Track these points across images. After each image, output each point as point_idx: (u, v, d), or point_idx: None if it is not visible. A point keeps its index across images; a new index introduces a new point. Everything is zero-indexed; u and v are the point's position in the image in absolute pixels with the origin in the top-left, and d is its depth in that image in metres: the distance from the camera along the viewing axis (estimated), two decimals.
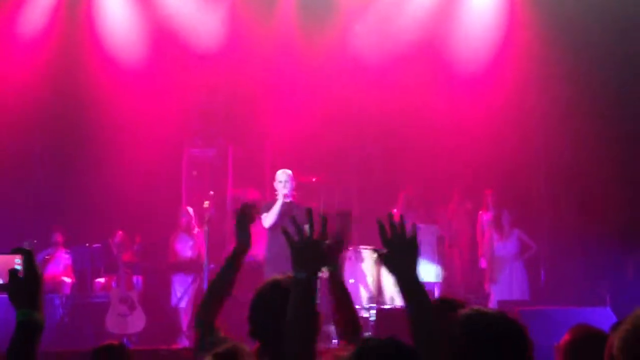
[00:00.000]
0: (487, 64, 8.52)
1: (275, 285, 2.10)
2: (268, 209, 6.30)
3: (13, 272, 1.61)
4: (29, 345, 1.52)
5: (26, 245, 6.43)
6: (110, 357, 2.88)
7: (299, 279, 1.87)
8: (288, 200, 6.35)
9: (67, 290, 7.48)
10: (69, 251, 7.68)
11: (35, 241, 6.96)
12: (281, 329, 1.90)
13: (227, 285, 2.29)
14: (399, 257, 1.87)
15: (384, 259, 1.87)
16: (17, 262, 1.64)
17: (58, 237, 7.63)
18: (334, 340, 5.84)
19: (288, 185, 6.39)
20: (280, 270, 6.23)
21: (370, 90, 8.56)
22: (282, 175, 6.48)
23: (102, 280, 7.61)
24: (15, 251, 1.66)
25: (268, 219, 6.27)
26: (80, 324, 6.95)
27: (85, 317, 6.93)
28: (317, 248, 1.90)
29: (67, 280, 7.56)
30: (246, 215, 2.29)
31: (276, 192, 6.39)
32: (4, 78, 8.16)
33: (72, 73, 8.43)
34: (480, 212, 7.73)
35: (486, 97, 8.40)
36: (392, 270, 1.85)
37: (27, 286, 1.59)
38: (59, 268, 7.58)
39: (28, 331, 1.53)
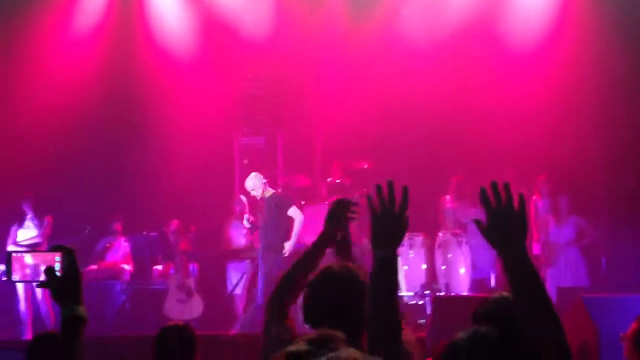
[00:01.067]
0: (540, 46, 8.29)
1: (329, 271, 2.07)
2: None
3: (50, 271, 1.65)
4: (77, 338, 1.59)
5: (87, 232, 6.65)
6: (177, 338, 2.96)
7: (382, 257, 1.74)
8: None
9: (127, 277, 7.71)
10: (127, 239, 7.90)
11: (89, 227, 7.19)
12: (338, 314, 1.89)
13: (306, 273, 2.15)
14: (506, 230, 1.63)
15: (485, 231, 1.66)
16: (57, 259, 1.68)
17: (117, 226, 7.86)
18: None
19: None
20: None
21: (419, 75, 8.45)
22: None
23: (159, 267, 7.82)
24: (55, 249, 1.70)
25: None
26: (140, 310, 7.18)
27: (145, 304, 7.15)
28: (399, 221, 1.77)
29: (127, 267, 7.80)
30: (341, 208, 2.25)
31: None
32: (60, 74, 8.40)
33: (125, 66, 8.62)
34: (534, 197, 7.56)
35: (539, 80, 8.18)
36: (497, 244, 1.64)
37: (68, 283, 1.64)
38: (119, 256, 7.83)
39: (75, 326, 1.60)
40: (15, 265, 1.74)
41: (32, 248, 6.98)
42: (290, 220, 6.87)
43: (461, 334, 1.48)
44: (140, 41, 8.82)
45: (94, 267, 7.69)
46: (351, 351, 0.94)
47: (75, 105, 8.34)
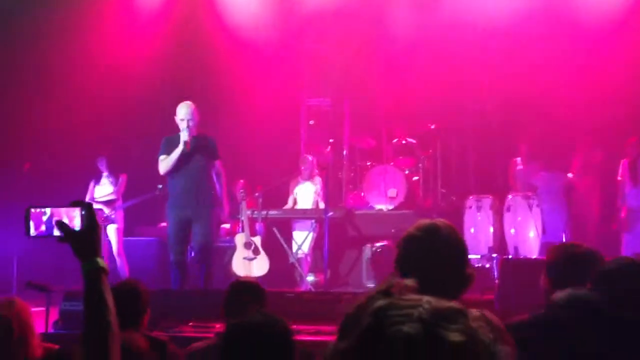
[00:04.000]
0: (617, 13, 7.83)
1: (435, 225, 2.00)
2: (167, 148, 5.83)
3: (61, 224, 1.64)
4: (102, 290, 1.59)
5: (159, 190, 6.84)
6: (248, 293, 3.01)
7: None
8: (190, 145, 5.80)
9: None
10: None
11: (161, 186, 7.38)
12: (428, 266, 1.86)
13: None
14: None
15: None
16: (77, 214, 1.67)
17: None
18: None
19: (191, 123, 5.80)
20: (179, 206, 5.87)
21: (489, 41, 8.16)
22: (182, 111, 5.79)
23: (227, 226, 7.99)
24: (74, 204, 1.70)
25: (163, 165, 5.84)
26: None
27: (212, 260, 7.33)
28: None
29: None
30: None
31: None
32: (131, 42, 8.55)
33: (192, 30, 8.73)
34: (623, 160, 7.17)
35: (615, 48, 7.76)
36: None
37: (88, 237, 1.64)
38: None
39: (98, 278, 1.60)
40: (34, 221, 1.73)
41: (108, 204, 7.27)
42: None
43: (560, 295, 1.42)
44: (206, 8, 8.87)
45: (164, 224, 7.93)
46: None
47: (146, 69, 8.53)
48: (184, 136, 5.81)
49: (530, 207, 6.65)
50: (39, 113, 8.17)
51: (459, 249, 1.95)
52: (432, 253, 1.90)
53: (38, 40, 8.07)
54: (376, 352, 0.85)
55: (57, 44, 8.08)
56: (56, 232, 1.69)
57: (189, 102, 5.98)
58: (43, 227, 1.72)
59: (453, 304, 0.92)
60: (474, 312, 1.00)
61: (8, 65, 8.12)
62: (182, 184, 5.90)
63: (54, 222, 1.68)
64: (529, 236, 6.69)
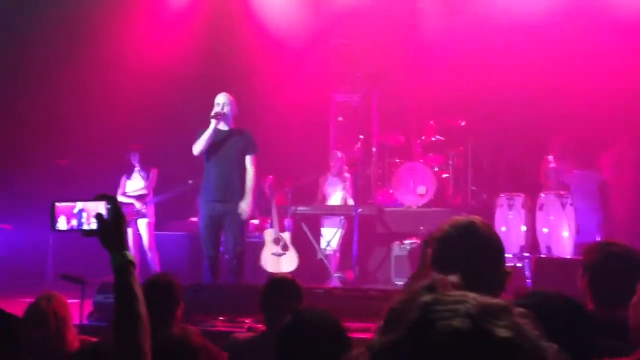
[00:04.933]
0: None
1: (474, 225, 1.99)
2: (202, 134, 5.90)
3: (100, 217, 1.66)
4: (131, 281, 1.62)
5: (189, 184, 6.90)
6: (285, 290, 3.03)
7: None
8: (226, 128, 5.92)
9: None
10: None
11: (191, 181, 7.44)
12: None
13: None
14: None
15: None
16: (102, 208, 1.68)
17: None
18: None
19: (227, 108, 5.91)
20: (210, 200, 5.99)
21: (522, 35, 8.04)
22: (219, 97, 5.97)
23: (256, 221, 8.03)
24: (99, 197, 1.71)
25: (197, 145, 5.86)
26: None
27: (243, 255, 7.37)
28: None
29: None
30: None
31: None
32: (161, 50, 8.63)
33: (222, 25, 8.78)
34: None
35: None
36: None
37: (115, 230, 1.66)
38: None
39: (127, 271, 1.62)
40: (66, 215, 1.74)
41: (139, 199, 7.36)
42: None
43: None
44: (236, 4, 8.91)
45: (195, 219, 8.01)
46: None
47: (177, 65, 8.61)
48: (213, 112, 5.84)
49: (563, 205, 6.55)
50: (73, 108, 8.32)
51: (497, 247, 1.93)
52: (470, 252, 1.88)
53: (72, 36, 8.21)
54: (423, 346, 0.84)
55: (90, 40, 8.21)
56: (86, 227, 1.71)
57: (227, 93, 6.05)
58: (74, 222, 1.74)
59: (499, 300, 0.92)
60: (519, 309, 1.00)
61: (42, 60, 8.27)
62: (213, 176, 5.95)
63: (92, 215, 1.69)
64: (562, 235, 6.58)
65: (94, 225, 1.69)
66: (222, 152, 5.91)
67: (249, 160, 5.99)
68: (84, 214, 1.72)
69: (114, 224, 1.66)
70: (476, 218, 1.99)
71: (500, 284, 1.87)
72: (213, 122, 5.84)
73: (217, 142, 5.89)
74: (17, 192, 8.01)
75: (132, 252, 1.69)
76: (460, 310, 0.86)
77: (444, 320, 0.84)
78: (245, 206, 5.89)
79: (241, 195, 5.93)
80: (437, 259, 1.92)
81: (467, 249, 1.87)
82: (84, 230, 1.71)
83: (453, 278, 1.07)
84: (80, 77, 8.28)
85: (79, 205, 1.73)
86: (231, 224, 5.90)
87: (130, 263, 1.64)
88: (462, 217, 2.01)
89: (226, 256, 6.14)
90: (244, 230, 6.12)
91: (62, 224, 1.74)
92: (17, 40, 8.26)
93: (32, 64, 8.29)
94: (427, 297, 0.89)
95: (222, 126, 5.92)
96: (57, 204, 1.75)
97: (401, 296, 0.93)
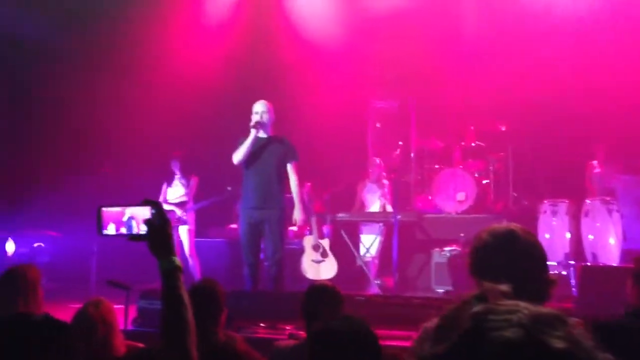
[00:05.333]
0: None
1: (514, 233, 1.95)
2: (242, 143, 5.92)
3: (149, 222, 1.66)
4: (178, 287, 1.62)
5: (228, 192, 6.97)
6: (325, 297, 3.02)
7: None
8: (265, 135, 5.94)
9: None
10: None
11: (230, 188, 7.51)
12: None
13: None
14: None
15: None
16: (147, 213, 1.69)
17: None
18: None
19: (265, 116, 5.92)
20: (249, 207, 5.95)
21: (563, 38, 7.89)
22: (258, 106, 5.98)
23: (295, 228, 8.05)
24: (145, 203, 1.71)
25: (237, 154, 5.88)
26: None
27: (283, 262, 7.39)
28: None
29: None
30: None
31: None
32: (201, 58, 8.76)
33: (260, 31, 8.86)
34: None
35: None
36: None
37: (161, 235, 1.66)
38: None
39: (174, 276, 1.63)
40: (115, 222, 1.75)
41: (180, 206, 7.47)
42: None
43: None
44: (274, 9, 8.99)
45: (234, 226, 8.09)
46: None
47: (217, 73, 8.73)
48: (252, 121, 5.89)
49: (609, 212, 6.38)
50: (116, 117, 8.50)
51: (539, 255, 1.88)
52: (510, 261, 1.84)
53: (114, 46, 8.40)
54: (476, 357, 0.83)
55: (132, 49, 8.39)
56: (135, 230, 1.72)
57: (265, 101, 6.09)
58: (124, 229, 1.75)
59: (552, 310, 0.90)
60: (573, 319, 0.98)
61: (84, 69, 8.48)
62: (252, 184, 5.99)
63: (141, 222, 1.71)
64: (608, 243, 6.41)
65: (141, 230, 1.70)
66: (260, 160, 5.95)
67: (290, 167, 6.01)
68: (134, 222, 1.74)
69: (162, 230, 1.66)
70: (515, 225, 1.95)
71: (544, 293, 1.83)
72: (253, 131, 5.89)
73: (256, 150, 5.94)
74: (63, 200, 8.22)
75: (179, 258, 1.71)
76: (513, 320, 0.84)
77: (496, 330, 0.83)
78: (297, 215, 5.93)
79: (280, 202, 5.95)
80: (476, 269, 1.89)
81: (507, 258, 1.83)
82: (131, 235, 1.72)
83: (503, 287, 1.06)
84: (123, 87, 8.46)
85: (128, 212, 1.74)
86: (270, 231, 5.93)
87: (178, 268, 1.64)
88: (501, 225, 1.98)
89: (266, 263, 6.16)
90: (283, 237, 6.14)
91: (110, 229, 1.76)
92: (62, 52, 8.49)
93: (76, 75, 8.50)
94: (478, 307, 0.88)
95: (261, 134, 5.97)
96: (103, 209, 1.76)
97: (451, 306, 0.92)
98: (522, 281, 1.78)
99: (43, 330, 1.46)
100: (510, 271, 1.81)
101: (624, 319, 2.31)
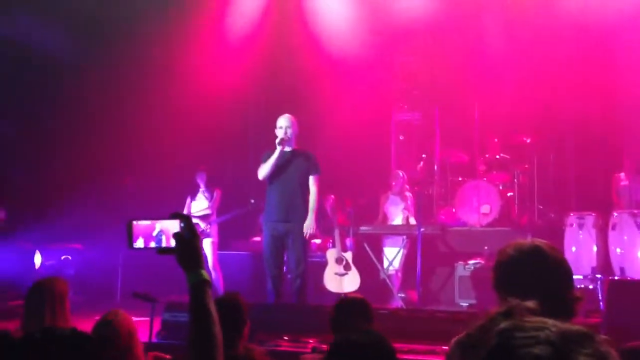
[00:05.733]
0: None
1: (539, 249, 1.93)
2: (267, 158, 5.95)
3: (179, 236, 1.66)
4: (206, 301, 1.62)
5: (251, 204, 7.01)
6: (355, 310, 3.01)
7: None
8: (289, 149, 5.96)
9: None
10: None
11: (253, 200, 7.54)
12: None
13: None
14: None
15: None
16: (176, 226, 1.69)
17: None
18: None
19: (289, 131, 5.95)
20: (273, 220, 5.89)
21: (588, 50, 7.81)
22: (282, 121, 6.01)
23: (318, 241, 8.05)
24: (174, 216, 1.71)
25: (262, 169, 5.93)
26: None
27: (306, 275, 7.39)
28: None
29: None
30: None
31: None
32: (224, 73, 8.84)
33: (283, 45, 8.93)
34: None
35: None
36: None
37: (190, 249, 1.66)
38: None
39: (203, 290, 1.62)
40: (143, 237, 1.75)
41: (203, 219, 7.52)
42: None
43: None
44: (296, 22, 9.05)
45: (257, 238, 8.11)
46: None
47: (240, 88, 8.82)
48: (278, 137, 5.94)
49: (638, 225, 6.27)
50: (140, 130, 8.61)
51: (565, 271, 1.86)
52: (536, 277, 1.82)
53: (139, 63, 8.53)
54: None
55: (156, 64, 8.51)
56: (164, 243, 1.73)
57: (289, 115, 6.13)
58: (153, 244, 1.75)
59: (580, 327, 0.89)
60: (602, 336, 0.96)
61: (110, 86, 8.62)
62: (276, 197, 6.01)
63: (170, 236, 1.71)
64: (637, 256, 6.29)
65: (170, 244, 1.71)
66: (284, 173, 5.98)
67: (312, 180, 6.03)
68: (163, 237, 1.74)
69: (191, 243, 1.67)
70: (540, 241, 1.93)
71: (570, 310, 1.80)
72: (278, 148, 5.93)
73: (280, 164, 5.97)
74: (87, 213, 8.34)
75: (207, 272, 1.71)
76: (541, 337, 0.84)
77: (524, 347, 0.82)
78: (308, 225, 5.93)
79: (303, 215, 5.97)
80: (500, 284, 1.87)
81: (532, 274, 1.81)
82: (160, 248, 1.72)
83: (530, 303, 1.05)
84: (147, 102, 8.58)
85: (158, 225, 1.74)
86: (293, 243, 5.93)
87: (206, 282, 1.65)
88: (525, 241, 1.96)
89: (289, 276, 6.16)
90: (306, 250, 6.14)
91: (139, 243, 1.76)
92: (87, 69, 8.64)
93: (102, 91, 8.65)
94: (505, 324, 0.87)
95: (285, 147, 6.01)
96: (134, 222, 1.77)
97: (478, 322, 0.91)
98: (548, 298, 1.75)
99: (70, 345, 1.48)
100: (536, 287, 1.79)
101: None
